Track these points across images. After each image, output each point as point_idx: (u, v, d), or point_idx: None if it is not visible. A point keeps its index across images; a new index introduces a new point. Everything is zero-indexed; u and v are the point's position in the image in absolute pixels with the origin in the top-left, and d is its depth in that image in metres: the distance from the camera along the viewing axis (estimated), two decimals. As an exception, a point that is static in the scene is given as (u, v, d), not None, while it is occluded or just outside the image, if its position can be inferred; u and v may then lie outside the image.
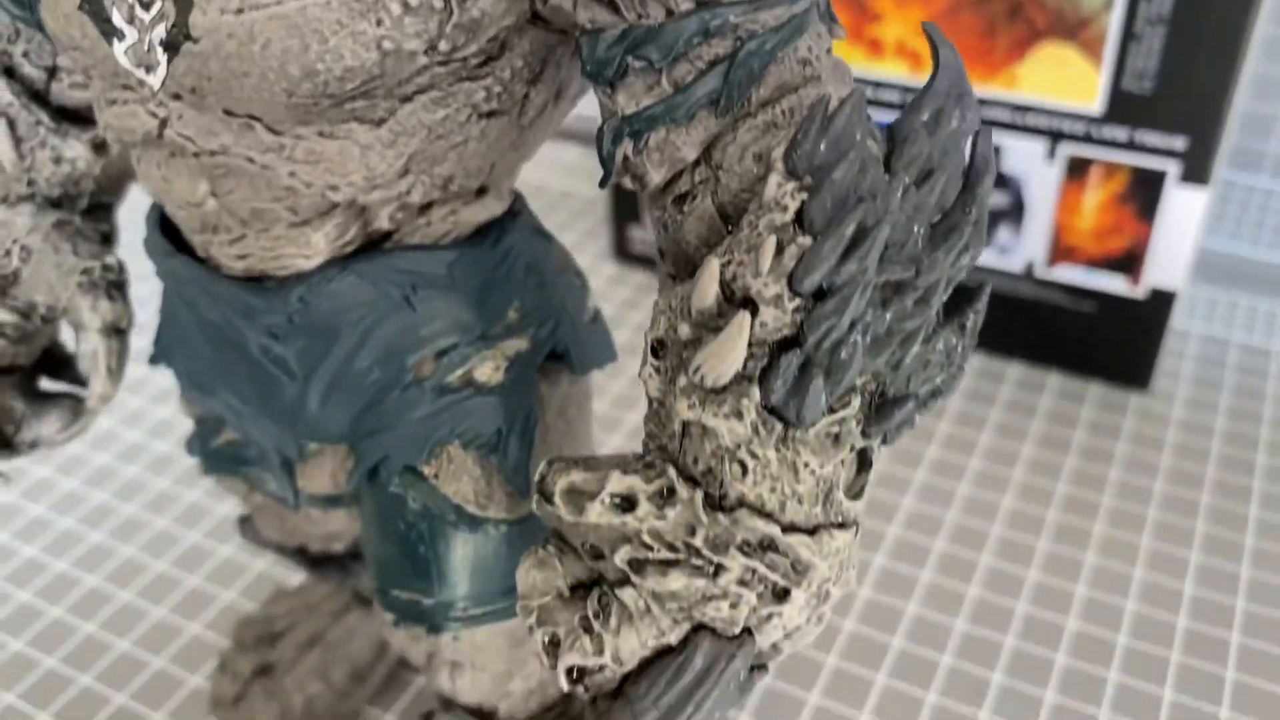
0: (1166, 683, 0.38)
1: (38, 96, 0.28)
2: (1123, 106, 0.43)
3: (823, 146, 0.19)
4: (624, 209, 0.57)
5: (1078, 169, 0.45)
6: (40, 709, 0.38)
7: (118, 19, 0.20)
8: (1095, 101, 0.43)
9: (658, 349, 0.21)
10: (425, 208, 0.23)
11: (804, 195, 0.19)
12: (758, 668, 0.21)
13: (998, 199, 0.47)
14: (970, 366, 0.51)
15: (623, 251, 0.59)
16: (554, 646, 0.21)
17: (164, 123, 0.21)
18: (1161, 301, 0.46)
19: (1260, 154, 0.53)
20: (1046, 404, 0.49)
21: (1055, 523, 0.43)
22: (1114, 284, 0.47)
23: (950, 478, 0.45)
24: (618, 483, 0.20)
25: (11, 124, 0.28)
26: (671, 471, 0.20)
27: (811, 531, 0.20)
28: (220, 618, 0.41)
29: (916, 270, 0.19)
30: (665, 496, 0.20)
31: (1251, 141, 0.53)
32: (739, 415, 0.19)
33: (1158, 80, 0.42)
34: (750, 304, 0.19)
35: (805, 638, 0.21)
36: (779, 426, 0.19)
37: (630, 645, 0.20)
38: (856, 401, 0.20)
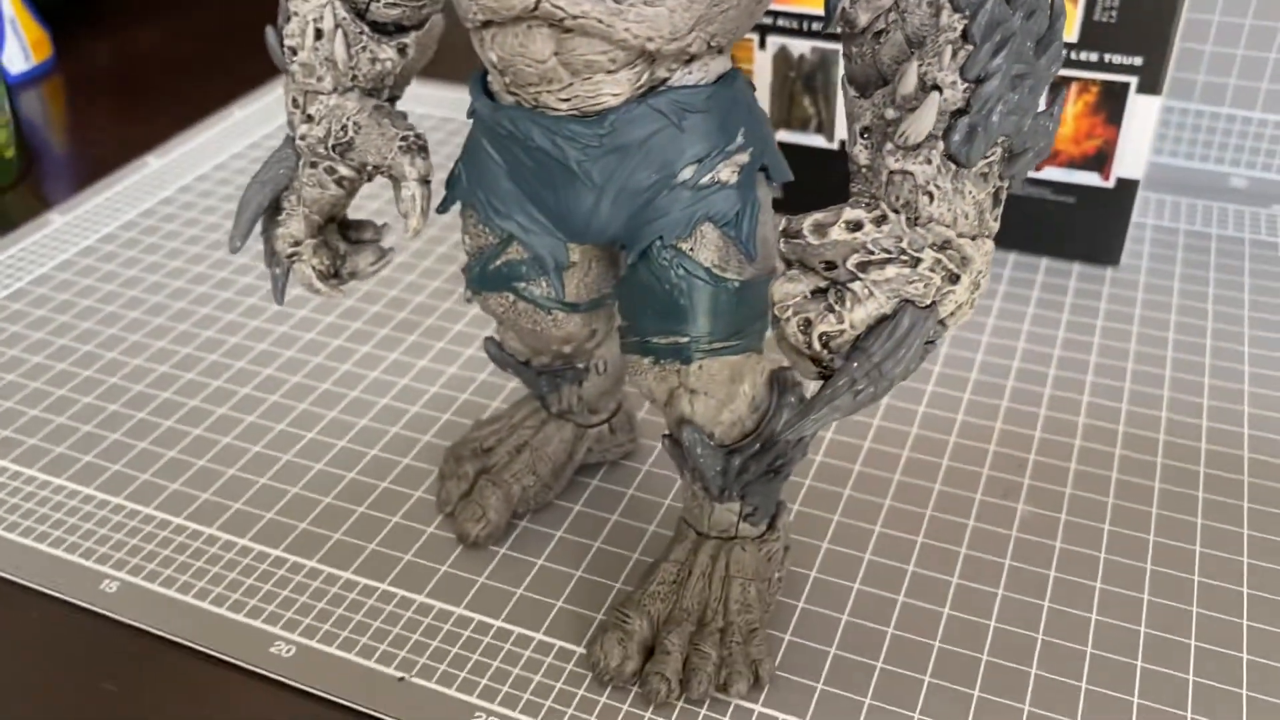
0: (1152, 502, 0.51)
1: (360, 14, 0.39)
2: (1093, 34, 0.56)
3: (975, -9, 0.31)
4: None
5: (1058, 87, 0.58)
6: (300, 520, 0.48)
7: (517, -70, 0.32)
8: (1073, 32, 0.56)
9: (864, 133, 0.33)
10: (689, 61, 0.35)
11: (966, 21, 0.31)
12: (929, 342, 0.33)
13: (997, 115, 0.60)
14: (977, 257, 0.64)
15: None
16: (807, 325, 0.33)
17: (539, 0, 0.33)
18: (1127, 189, 0.60)
19: (1191, 83, 0.67)
20: (1040, 281, 0.62)
21: (1054, 375, 0.56)
22: (1089, 179, 0.60)
23: (968, 348, 0.58)
24: (849, 213, 0.32)
25: (345, 34, 0.39)
26: (883, 204, 0.32)
27: (973, 238, 0.32)
28: (423, 452, 0.52)
29: (1030, 69, 0.32)
30: (880, 220, 0.32)
31: (1184, 73, 0.67)
32: (929, 161, 0.31)
33: (1120, 12, 0.55)
34: (936, 88, 0.31)
35: (962, 316, 0.33)
36: (953, 167, 0.31)
37: (860, 315, 0.32)
38: (998, 152, 0.32)
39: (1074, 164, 0.60)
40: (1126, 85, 0.57)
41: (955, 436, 0.52)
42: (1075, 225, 0.61)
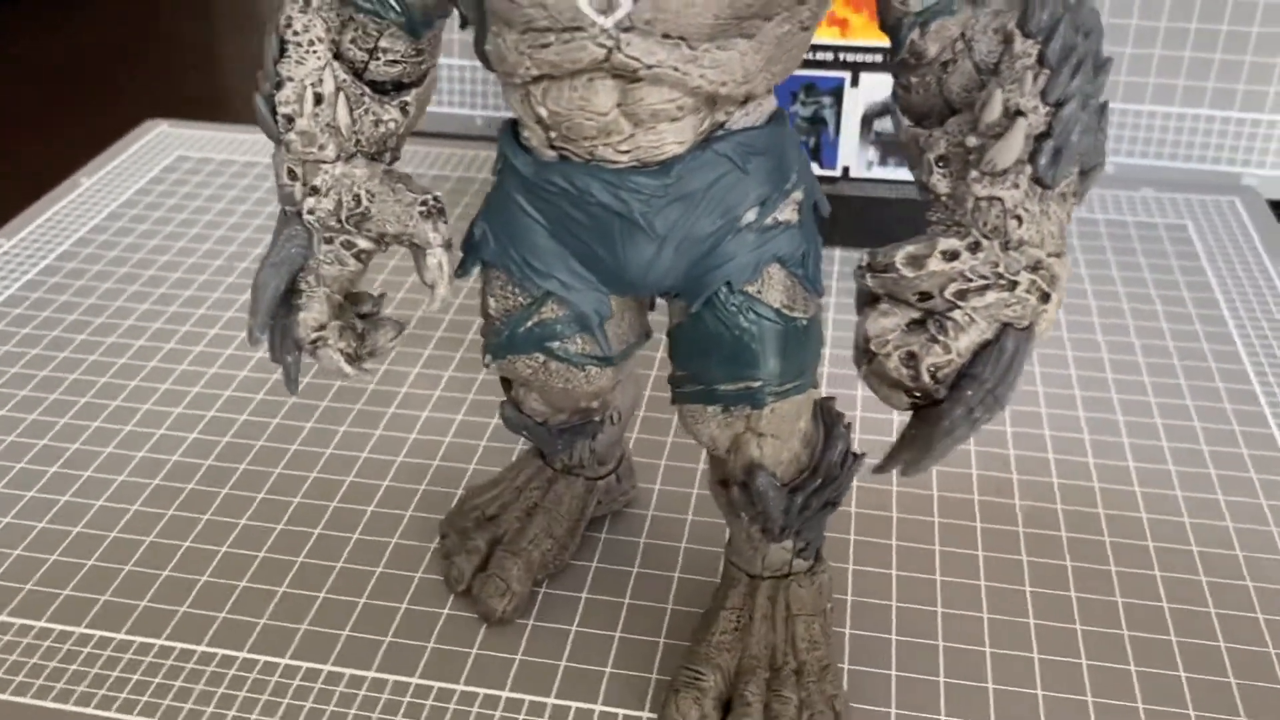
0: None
1: (358, 74, 0.37)
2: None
3: (1045, 16, 0.31)
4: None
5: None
6: (299, 622, 0.44)
7: (585, -22, 0.30)
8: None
9: (940, 162, 0.33)
10: (744, 102, 0.34)
11: (1039, 46, 0.31)
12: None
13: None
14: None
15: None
16: (911, 358, 0.32)
17: (610, 51, 0.31)
18: (1035, 185, 0.63)
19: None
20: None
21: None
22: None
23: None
24: (944, 243, 0.32)
25: (346, 96, 0.36)
26: (974, 231, 0.32)
27: (1057, 255, 0.32)
28: (410, 529, 0.49)
29: (1094, 88, 0.32)
30: (975, 247, 0.32)
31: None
32: (1017, 185, 0.32)
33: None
34: (1020, 114, 0.31)
35: (1049, 331, 0.33)
36: (1039, 189, 0.32)
37: (965, 343, 0.32)
38: (1074, 170, 0.32)
39: (984, 165, 0.63)
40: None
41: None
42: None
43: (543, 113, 0.33)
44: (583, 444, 0.45)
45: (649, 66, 0.31)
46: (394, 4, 0.35)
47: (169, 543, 0.48)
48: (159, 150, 0.78)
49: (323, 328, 0.37)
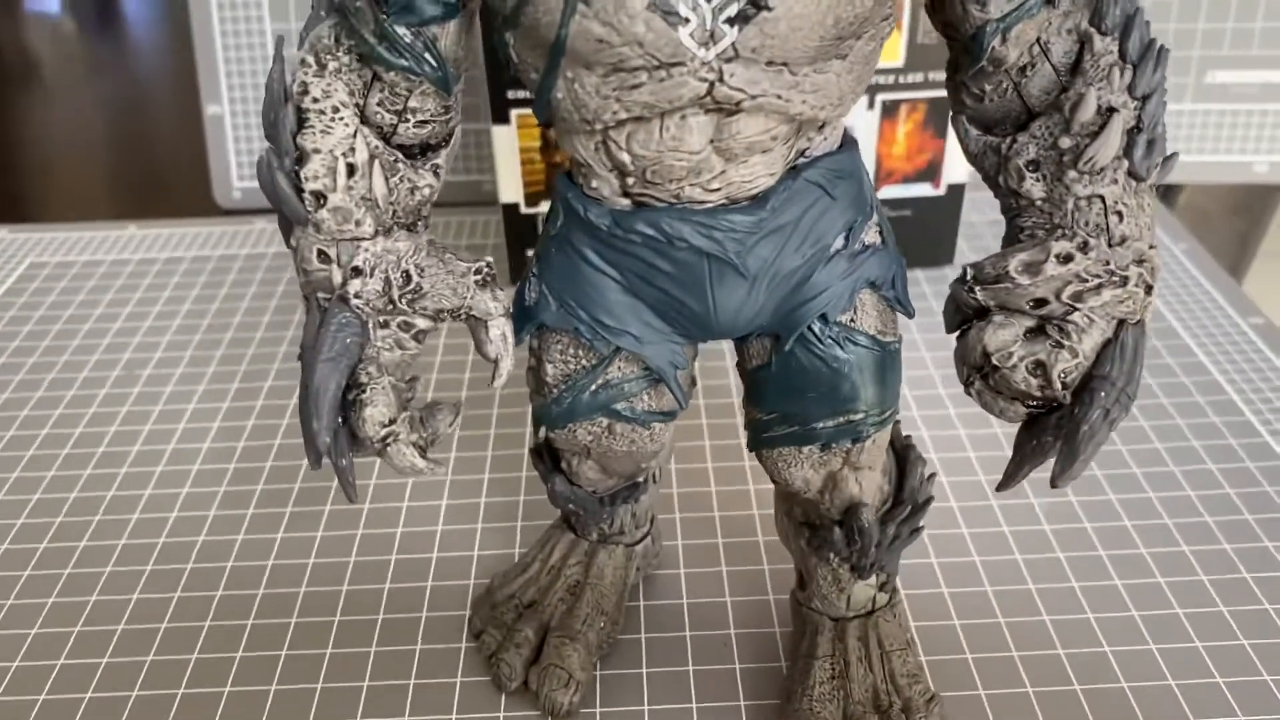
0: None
1: (385, 139, 0.33)
2: (918, 56, 0.60)
3: (1118, 13, 0.31)
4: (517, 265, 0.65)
5: (890, 110, 0.61)
6: (338, 755, 0.40)
7: (684, 10, 0.28)
8: (899, 57, 0.60)
9: (1031, 167, 0.32)
10: (821, 126, 0.33)
11: (1117, 42, 0.31)
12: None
13: (835, 146, 0.62)
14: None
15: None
16: (1039, 366, 0.32)
17: (712, 84, 0.29)
18: (956, 193, 0.64)
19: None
20: (894, 293, 0.65)
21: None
22: (923, 190, 0.64)
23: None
24: (1058, 247, 0.31)
25: (381, 164, 0.33)
26: (1080, 232, 0.32)
27: (1152, 246, 0.32)
28: (431, 632, 0.44)
29: (1164, 80, 0.33)
30: (1084, 247, 0.31)
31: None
32: (1115, 181, 0.31)
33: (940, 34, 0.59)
34: (1113, 110, 0.31)
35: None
36: (1134, 183, 0.32)
37: (1089, 344, 0.32)
38: (1160, 159, 0.32)
39: (908, 179, 0.63)
40: (950, 98, 0.61)
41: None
42: (912, 235, 0.65)
43: (625, 158, 0.31)
44: (624, 509, 0.42)
45: (753, 97, 0.29)
46: (429, 58, 0.32)
47: (155, 694, 0.42)
48: (6, 259, 0.70)
49: (392, 422, 0.33)
